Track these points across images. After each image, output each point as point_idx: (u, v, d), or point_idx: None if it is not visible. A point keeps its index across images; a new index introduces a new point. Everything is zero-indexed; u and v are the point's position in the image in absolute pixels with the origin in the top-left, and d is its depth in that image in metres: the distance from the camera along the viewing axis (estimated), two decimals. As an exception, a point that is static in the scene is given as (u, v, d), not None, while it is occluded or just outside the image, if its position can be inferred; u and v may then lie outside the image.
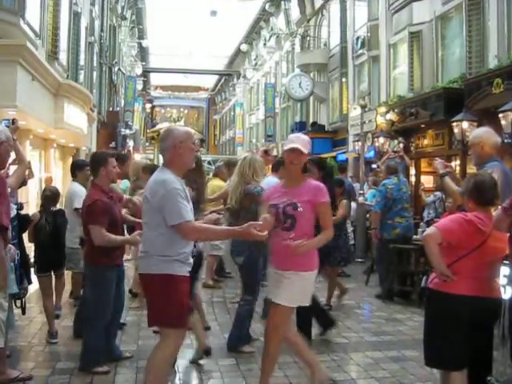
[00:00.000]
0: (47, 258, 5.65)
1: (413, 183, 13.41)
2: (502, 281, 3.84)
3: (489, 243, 3.53)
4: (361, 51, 18.23)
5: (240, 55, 39.79)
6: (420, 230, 8.47)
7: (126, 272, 5.74)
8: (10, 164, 4.71)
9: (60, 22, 12.61)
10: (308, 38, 24.33)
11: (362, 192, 12.30)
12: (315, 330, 5.95)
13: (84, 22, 16.45)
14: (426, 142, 13.46)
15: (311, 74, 22.89)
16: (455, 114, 10.92)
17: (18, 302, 4.90)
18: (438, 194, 10.33)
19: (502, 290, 3.76)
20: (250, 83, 38.46)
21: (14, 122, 5.12)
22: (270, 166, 7.02)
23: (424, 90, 13.46)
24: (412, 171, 13.84)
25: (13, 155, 4.69)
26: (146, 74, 39.31)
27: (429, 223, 8.75)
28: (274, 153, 22.05)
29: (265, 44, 32.48)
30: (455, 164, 11.54)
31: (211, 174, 9.13)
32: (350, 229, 10.50)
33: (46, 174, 12.79)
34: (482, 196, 3.64)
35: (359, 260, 11.34)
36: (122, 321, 5.70)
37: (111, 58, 24.39)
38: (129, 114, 27.01)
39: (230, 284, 8.63)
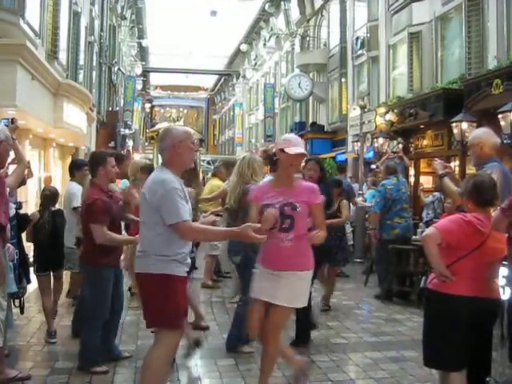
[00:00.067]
0: (46, 257, 5.65)
1: (412, 184, 13.40)
2: (501, 281, 3.84)
3: (488, 244, 3.53)
4: (360, 52, 18.23)
5: (240, 55, 39.79)
6: (419, 230, 8.47)
7: (124, 272, 5.74)
8: (9, 163, 4.71)
9: (60, 21, 12.61)
10: (308, 39, 24.33)
11: (361, 192, 12.30)
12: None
13: (84, 22, 16.45)
14: (425, 142, 13.46)
15: (311, 75, 22.89)
16: (454, 114, 10.92)
17: (17, 302, 4.91)
18: (437, 194, 10.34)
19: (501, 290, 3.76)
20: (250, 83, 38.45)
21: (13, 121, 5.11)
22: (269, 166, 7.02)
23: (423, 90, 13.47)
24: (411, 172, 13.83)
25: (12, 154, 4.70)
26: (145, 73, 39.28)
27: (428, 224, 8.76)
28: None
29: (264, 44, 32.47)
30: (454, 164, 11.53)
31: (210, 174, 9.14)
32: (349, 229, 10.53)
33: (45, 174, 12.79)
34: (481, 197, 3.64)
35: (358, 260, 11.35)
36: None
37: (111, 58, 24.38)
38: (128, 113, 27.00)
39: (229, 284, 8.62)
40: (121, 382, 4.61)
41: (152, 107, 52.32)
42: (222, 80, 49.99)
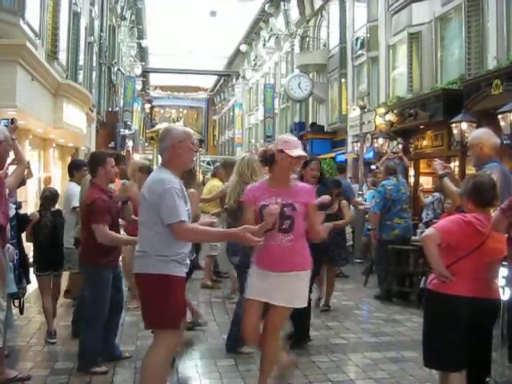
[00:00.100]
0: (46, 257, 5.65)
1: (412, 184, 13.40)
2: (501, 282, 3.84)
3: (488, 244, 3.54)
4: (360, 52, 18.23)
5: (239, 56, 39.80)
6: (419, 230, 8.47)
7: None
8: (9, 164, 4.71)
9: (60, 21, 12.62)
10: (307, 39, 24.33)
11: (361, 193, 12.31)
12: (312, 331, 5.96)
13: (83, 22, 16.45)
14: (425, 142, 13.45)
15: (310, 75, 22.89)
16: (454, 115, 10.92)
17: (17, 302, 4.90)
18: (437, 194, 10.34)
19: (500, 291, 3.76)
20: (250, 84, 38.46)
21: (13, 121, 5.11)
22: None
23: (423, 90, 13.47)
24: (411, 172, 13.83)
25: (12, 155, 4.70)
26: (145, 74, 39.29)
27: (427, 224, 8.75)
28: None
29: (264, 44, 32.49)
30: (454, 165, 11.53)
31: (209, 175, 9.14)
32: (349, 229, 10.53)
33: (44, 174, 12.79)
34: (481, 197, 3.64)
35: (358, 261, 11.35)
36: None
37: (110, 58, 24.39)
38: (128, 114, 27.01)
39: (229, 284, 8.62)
40: (120, 383, 4.61)
41: (152, 108, 52.35)
42: (222, 80, 50.01)
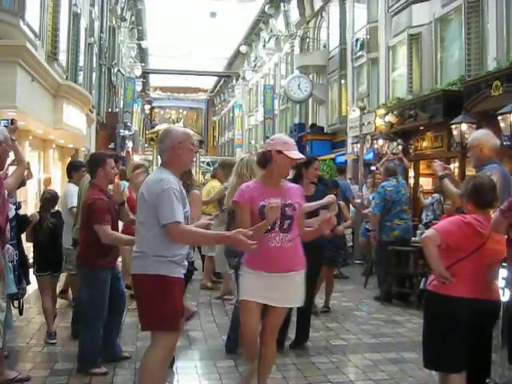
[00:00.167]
0: (46, 258, 5.66)
1: (411, 185, 13.40)
2: (501, 283, 3.84)
3: (488, 245, 3.53)
4: (360, 53, 18.22)
5: (239, 57, 39.81)
6: (418, 232, 8.47)
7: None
8: (9, 165, 4.71)
9: (60, 22, 12.63)
10: (307, 40, 24.34)
11: (360, 193, 12.28)
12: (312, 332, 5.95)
13: (83, 23, 16.46)
14: (424, 144, 13.45)
15: (310, 76, 22.89)
16: (454, 116, 10.92)
17: (16, 303, 4.90)
18: (436, 195, 10.34)
19: (500, 292, 3.76)
20: (249, 85, 38.47)
21: (12, 122, 5.11)
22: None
23: (423, 92, 13.47)
24: (411, 173, 13.83)
25: (12, 156, 4.70)
26: (145, 75, 39.31)
27: (427, 225, 8.75)
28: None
29: (264, 46, 32.49)
30: (454, 166, 11.52)
31: (209, 175, 9.14)
32: (348, 231, 10.52)
33: (44, 175, 12.79)
34: (481, 198, 3.64)
35: (358, 262, 11.35)
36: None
37: (110, 59, 24.40)
38: (128, 115, 27.02)
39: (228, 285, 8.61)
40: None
41: (152, 108, 52.37)
42: (222, 81, 50.01)
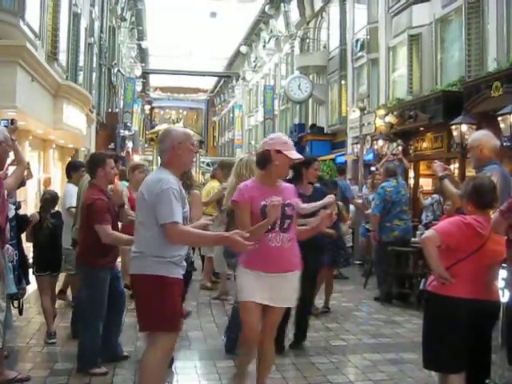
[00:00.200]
0: (45, 258, 5.66)
1: (411, 186, 13.40)
2: (501, 284, 3.84)
3: (488, 246, 3.53)
4: (360, 54, 18.23)
5: (239, 57, 39.83)
6: (418, 232, 8.47)
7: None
8: (8, 165, 4.71)
9: (60, 22, 12.64)
10: (307, 41, 24.36)
11: (360, 195, 12.29)
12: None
13: (84, 23, 16.47)
14: (424, 144, 13.46)
15: (310, 77, 22.89)
16: (454, 116, 10.92)
17: (16, 303, 4.89)
18: (436, 196, 10.34)
19: (500, 293, 3.76)
20: (249, 85, 38.48)
21: (12, 122, 5.11)
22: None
23: (423, 92, 13.47)
24: (411, 174, 13.83)
25: (12, 156, 4.70)
26: (145, 75, 39.32)
27: (427, 226, 8.76)
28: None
29: (264, 46, 32.50)
30: (454, 167, 11.53)
31: (209, 176, 9.15)
32: (349, 231, 10.52)
33: (44, 175, 12.79)
34: (481, 199, 3.64)
35: (358, 262, 11.35)
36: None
37: (111, 59, 24.40)
38: (128, 115, 27.04)
39: (229, 285, 8.60)
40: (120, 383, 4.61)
41: (152, 109, 52.38)
42: (222, 82, 50.01)
